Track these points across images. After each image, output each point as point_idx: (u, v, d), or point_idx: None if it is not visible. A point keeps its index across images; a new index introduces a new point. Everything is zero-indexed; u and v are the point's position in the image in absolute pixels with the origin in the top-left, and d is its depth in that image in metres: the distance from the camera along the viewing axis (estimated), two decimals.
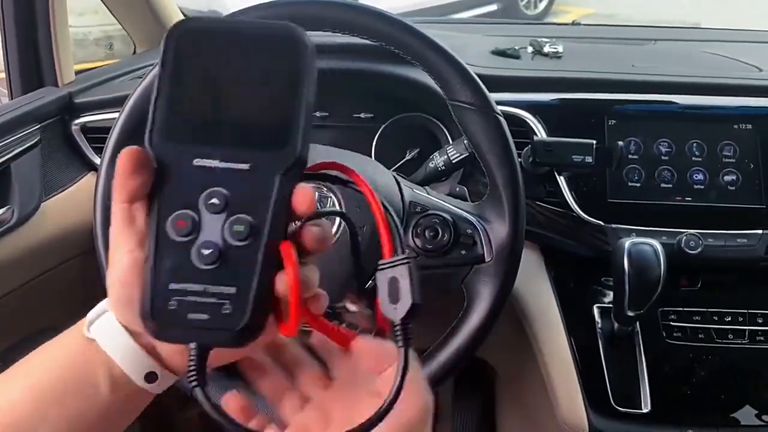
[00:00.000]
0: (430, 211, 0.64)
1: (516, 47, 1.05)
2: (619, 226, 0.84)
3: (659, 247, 0.73)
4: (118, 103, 0.88)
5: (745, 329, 0.84)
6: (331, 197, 0.62)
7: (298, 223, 0.35)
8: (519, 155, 0.64)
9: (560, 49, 1.04)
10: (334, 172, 0.40)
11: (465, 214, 0.64)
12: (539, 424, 0.95)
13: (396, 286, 0.37)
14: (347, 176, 0.39)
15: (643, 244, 0.73)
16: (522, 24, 2.35)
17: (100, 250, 0.65)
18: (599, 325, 0.85)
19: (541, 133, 0.86)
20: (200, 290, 0.32)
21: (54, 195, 0.90)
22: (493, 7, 4.65)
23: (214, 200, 0.33)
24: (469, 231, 0.63)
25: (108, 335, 0.36)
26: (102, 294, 0.38)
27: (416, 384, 0.37)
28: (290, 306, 0.33)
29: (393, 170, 0.69)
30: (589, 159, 0.81)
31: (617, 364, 0.82)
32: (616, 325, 0.82)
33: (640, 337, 0.83)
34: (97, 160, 0.95)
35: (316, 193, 0.62)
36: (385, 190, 0.64)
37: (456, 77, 0.61)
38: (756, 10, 3.23)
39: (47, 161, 0.90)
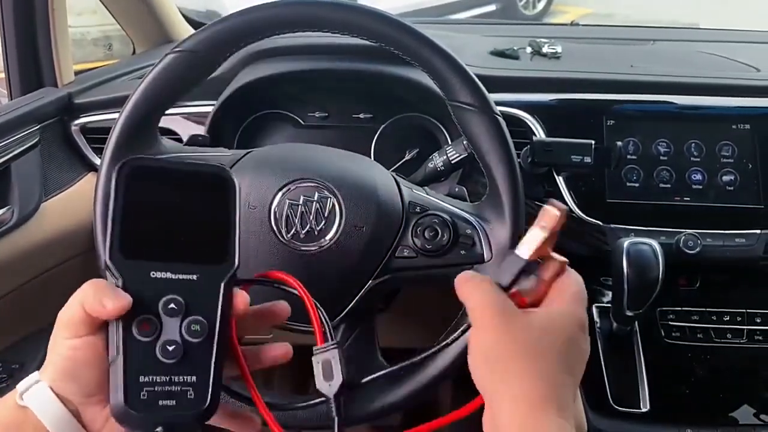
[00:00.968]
0: (429, 211, 0.64)
1: (515, 48, 1.05)
2: (617, 226, 0.84)
3: (658, 247, 0.73)
4: (117, 103, 0.88)
5: (744, 329, 0.84)
6: (330, 198, 0.62)
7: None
8: (518, 155, 0.64)
9: (559, 49, 1.04)
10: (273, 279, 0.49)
11: (464, 214, 0.64)
12: None
13: (329, 367, 0.46)
14: (282, 281, 0.49)
15: (641, 244, 0.73)
16: (520, 24, 2.35)
17: (100, 250, 0.64)
18: (598, 325, 0.85)
19: (539, 133, 0.86)
20: (167, 380, 0.39)
21: (54, 195, 0.90)
22: (491, 8, 4.65)
23: (172, 305, 0.40)
24: (469, 231, 0.63)
25: (40, 402, 0.39)
26: None
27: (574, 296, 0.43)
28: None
29: (392, 170, 0.69)
30: (587, 159, 0.81)
31: (616, 364, 0.82)
32: (614, 324, 0.82)
33: (638, 336, 0.83)
34: (96, 161, 0.95)
35: (316, 194, 0.62)
36: (385, 191, 0.64)
37: (455, 78, 0.61)
38: (755, 11, 3.23)
39: (47, 161, 0.90)
